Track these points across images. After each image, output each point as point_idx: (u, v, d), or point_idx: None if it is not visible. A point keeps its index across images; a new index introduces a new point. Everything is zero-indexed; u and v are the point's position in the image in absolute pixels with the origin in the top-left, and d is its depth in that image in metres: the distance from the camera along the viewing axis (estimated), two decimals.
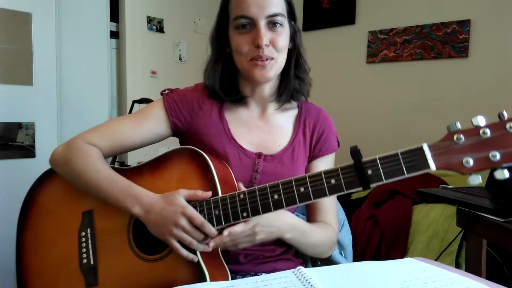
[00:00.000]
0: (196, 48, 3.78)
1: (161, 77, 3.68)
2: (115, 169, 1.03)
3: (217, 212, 0.89)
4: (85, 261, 1.02)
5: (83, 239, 1.04)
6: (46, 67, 2.57)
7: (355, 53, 3.71)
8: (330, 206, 1.12)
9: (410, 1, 3.40)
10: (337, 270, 0.76)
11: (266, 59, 1.00)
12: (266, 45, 0.99)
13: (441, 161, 0.71)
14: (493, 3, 2.99)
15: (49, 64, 2.59)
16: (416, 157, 0.72)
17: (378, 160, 0.75)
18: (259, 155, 1.06)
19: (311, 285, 0.66)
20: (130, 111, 3.01)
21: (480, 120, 0.68)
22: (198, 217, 0.88)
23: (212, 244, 0.89)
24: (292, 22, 1.08)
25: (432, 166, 0.71)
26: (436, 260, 1.06)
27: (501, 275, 2.00)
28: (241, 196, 0.88)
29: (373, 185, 0.76)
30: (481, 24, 3.04)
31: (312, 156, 1.13)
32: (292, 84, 1.10)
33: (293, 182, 0.83)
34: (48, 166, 1.13)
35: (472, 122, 0.69)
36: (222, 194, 0.91)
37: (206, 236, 0.90)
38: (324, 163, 1.13)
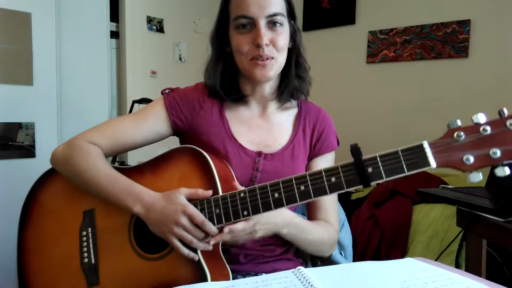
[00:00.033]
0: (196, 48, 3.78)
1: (161, 77, 3.68)
2: (116, 168, 1.03)
3: (217, 210, 0.89)
4: (86, 260, 1.02)
5: (84, 238, 1.04)
6: (46, 67, 2.57)
7: (355, 53, 3.71)
8: (330, 204, 1.12)
9: (410, 1, 3.40)
10: (337, 270, 0.76)
11: (267, 59, 1.01)
12: (266, 44, 0.99)
13: (441, 158, 0.70)
14: (493, 3, 2.99)
15: (49, 64, 2.59)
16: (416, 154, 0.72)
17: (378, 158, 0.75)
18: (259, 153, 1.06)
19: (311, 285, 0.66)
20: (130, 111, 3.01)
21: (481, 117, 0.68)
22: (199, 216, 0.88)
23: (212, 241, 0.89)
24: (292, 22, 1.08)
25: (433, 164, 0.71)
26: (436, 260, 1.06)
27: (501, 275, 2.00)
28: (242, 194, 0.88)
29: (373, 183, 0.76)
30: (481, 24, 3.05)
31: (312, 155, 1.13)
32: (293, 83, 1.10)
33: (294, 181, 0.83)
34: (48, 166, 1.13)
35: (472, 120, 0.69)
36: (222, 193, 0.91)
37: (207, 234, 0.90)
38: (324, 162, 1.14)
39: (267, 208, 0.85)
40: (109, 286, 0.99)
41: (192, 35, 3.89)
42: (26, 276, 1.09)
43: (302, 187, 0.82)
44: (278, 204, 0.84)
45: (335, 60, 3.83)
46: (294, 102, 1.17)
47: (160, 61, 3.71)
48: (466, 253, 1.73)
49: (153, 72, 3.65)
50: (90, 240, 1.03)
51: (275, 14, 1.00)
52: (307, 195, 0.81)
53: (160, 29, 3.69)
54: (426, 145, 0.71)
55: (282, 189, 0.84)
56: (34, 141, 2.53)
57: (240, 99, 1.11)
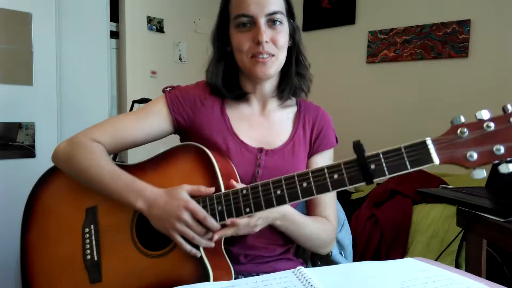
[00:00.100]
0: (196, 48, 3.79)
1: (161, 77, 3.68)
2: (118, 165, 1.03)
3: (220, 207, 0.89)
4: (88, 257, 1.02)
5: (87, 236, 1.04)
6: (46, 67, 2.56)
7: (355, 53, 3.71)
8: (328, 201, 1.13)
9: (410, 1, 3.40)
10: (337, 270, 0.76)
11: (267, 56, 1.02)
12: (266, 41, 1.01)
13: (444, 155, 0.70)
14: (493, 3, 2.99)
15: (49, 64, 2.58)
16: (419, 151, 0.72)
17: (381, 155, 0.75)
18: (260, 150, 1.07)
19: (311, 285, 0.66)
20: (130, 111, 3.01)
21: (484, 114, 0.68)
22: (201, 211, 0.88)
23: (216, 236, 0.89)
24: (291, 20, 1.10)
25: (436, 160, 0.70)
26: (436, 260, 1.06)
27: (501, 275, 2.00)
28: (244, 191, 0.88)
29: (376, 180, 0.76)
30: (481, 24, 3.05)
31: (312, 152, 1.14)
32: (293, 81, 1.12)
33: (296, 177, 0.83)
34: (48, 166, 1.13)
35: (475, 116, 0.69)
36: (225, 190, 0.91)
37: (209, 231, 0.90)
38: (323, 159, 1.15)
39: (269, 205, 0.85)
40: (111, 283, 0.99)
41: (192, 35, 3.90)
42: (29, 274, 1.09)
43: (305, 184, 0.82)
44: (281, 201, 0.84)
45: (335, 60, 3.83)
46: (293, 100, 1.18)
47: (160, 61, 3.71)
48: (466, 253, 1.73)
49: (153, 72, 3.65)
50: (93, 237, 1.03)
51: (274, 13, 1.02)
52: (310, 192, 0.81)
53: (160, 29, 3.69)
54: (429, 141, 0.71)
55: (284, 186, 0.84)
56: (34, 141, 2.52)
57: (241, 96, 1.12)
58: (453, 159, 0.70)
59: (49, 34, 2.57)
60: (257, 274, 1.03)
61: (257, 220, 0.92)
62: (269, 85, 1.12)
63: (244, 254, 1.06)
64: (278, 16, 1.02)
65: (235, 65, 1.10)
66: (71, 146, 1.06)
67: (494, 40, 3.00)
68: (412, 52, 3.36)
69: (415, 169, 0.72)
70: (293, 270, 0.74)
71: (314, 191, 0.81)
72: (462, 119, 0.70)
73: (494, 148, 0.67)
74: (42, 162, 2.39)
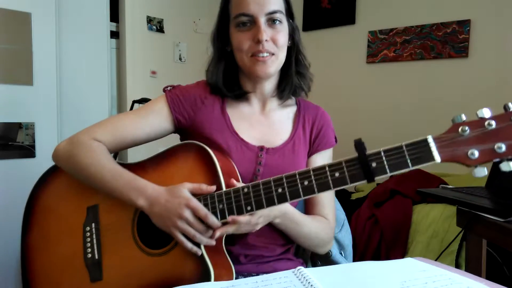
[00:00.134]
0: (196, 48, 3.79)
1: (161, 77, 3.68)
2: (119, 164, 1.04)
3: (221, 206, 0.89)
4: (89, 256, 1.02)
5: (88, 234, 1.04)
6: (46, 67, 2.57)
7: (355, 53, 3.71)
8: (327, 200, 1.13)
9: (410, 1, 3.40)
10: (337, 270, 0.76)
11: (267, 54, 1.03)
12: (266, 40, 1.02)
13: (446, 153, 0.70)
14: (493, 3, 2.99)
15: (49, 64, 2.59)
16: (420, 149, 0.72)
17: (382, 153, 0.75)
18: (261, 148, 1.07)
19: (311, 285, 0.66)
20: None
21: (485, 112, 0.68)
22: (202, 209, 0.88)
23: (217, 234, 0.89)
24: (290, 20, 1.11)
25: (437, 158, 0.70)
26: (436, 260, 1.06)
27: (501, 275, 1.99)
28: (245, 190, 0.88)
29: (377, 178, 0.75)
30: (481, 24, 3.05)
31: (311, 151, 1.15)
32: (294, 81, 1.12)
33: (297, 176, 0.83)
34: (48, 166, 1.14)
35: (477, 114, 0.69)
36: (226, 188, 0.91)
37: (210, 229, 0.90)
38: (323, 158, 1.15)
39: (270, 203, 0.85)
40: (112, 282, 0.99)
41: (192, 35, 3.90)
42: (30, 273, 1.09)
43: (306, 182, 0.81)
44: (282, 199, 0.84)
45: (335, 60, 3.83)
46: (293, 100, 1.19)
47: (160, 61, 3.71)
48: (466, 253, 1.72)
49: (153, 72, 3.65)
50: (94, 236, 1.03)
51: (274, 12, 1.03)
52: (311, 190, 0.81)
53: (160, 29, 3.69)
54: (430, 139, 0.71)
55: (285, 184, 0.83)
56: (34, 141, 2.52)
57: (242, 96, 1.12)
58: (455, 157, 0.70)
59: (49, 34, 2.57)
60: (257, 274, 1.03)
61: (258, 218, 0.91)
62: (269, 85, 1.12)
63: (244, 254, 1.06)
64: (277, 16, 1.03)
65: (235, 65, 1.11)
66: (72, 145, 1.06)
67: (494, 40, 3.00)
68: (412, 52, 3.36)
69: (416, 167, 0.72)
70: (293, 270, 0.74)
71: (316, 189, 0.81)
72: (464, 117, 0.70)
73: (496, 146, 0.67)
74: (42, 162, 2.39)
